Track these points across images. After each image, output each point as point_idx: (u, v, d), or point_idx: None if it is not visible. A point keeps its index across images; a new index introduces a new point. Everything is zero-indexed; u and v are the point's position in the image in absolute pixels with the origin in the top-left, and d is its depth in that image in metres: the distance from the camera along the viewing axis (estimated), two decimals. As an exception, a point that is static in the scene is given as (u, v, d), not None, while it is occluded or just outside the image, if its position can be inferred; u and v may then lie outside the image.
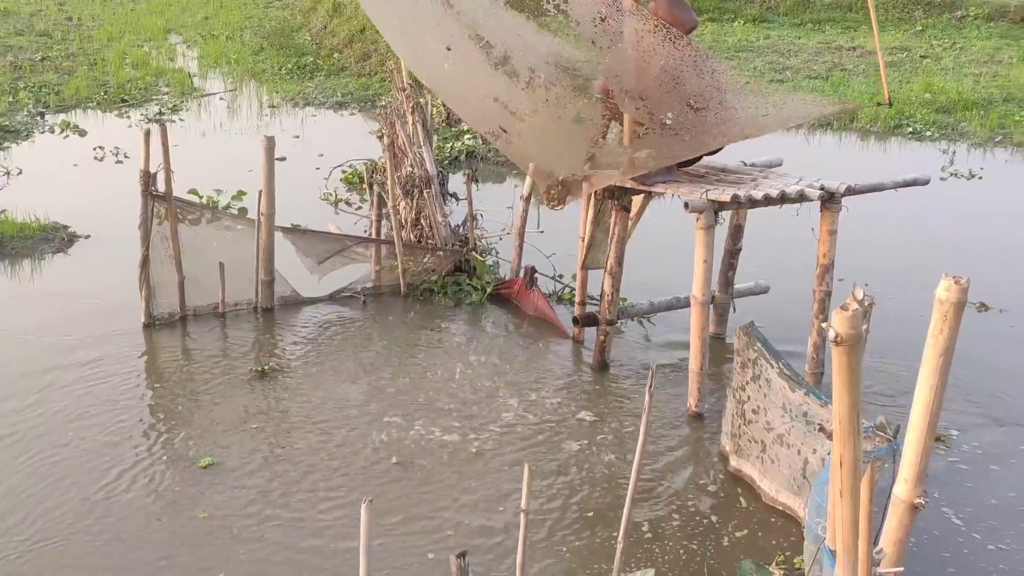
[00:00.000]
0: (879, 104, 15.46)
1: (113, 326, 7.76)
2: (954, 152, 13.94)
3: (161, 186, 7.63)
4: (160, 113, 15.65)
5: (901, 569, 3.42)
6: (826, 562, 3.72)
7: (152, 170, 7.54)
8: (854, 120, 15.31)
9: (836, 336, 2.61)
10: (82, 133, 14.33)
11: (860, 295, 2.73)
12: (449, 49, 6.83)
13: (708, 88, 6.32)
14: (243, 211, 9.90)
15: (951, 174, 12.72)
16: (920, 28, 22.74)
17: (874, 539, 3.27)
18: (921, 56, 19.78)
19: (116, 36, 21.65)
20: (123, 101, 16.31)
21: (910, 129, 14.89)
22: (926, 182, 7.28)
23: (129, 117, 15.39)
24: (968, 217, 11.05)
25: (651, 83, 6.31)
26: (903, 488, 3.39)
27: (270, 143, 7.97)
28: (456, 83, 7.38)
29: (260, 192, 8.00)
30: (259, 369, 7.13)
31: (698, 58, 6.21)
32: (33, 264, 9.31)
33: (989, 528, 5.49)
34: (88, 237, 9.92)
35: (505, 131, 7.09)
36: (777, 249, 9.04)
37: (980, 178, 12.63)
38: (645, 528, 5.41)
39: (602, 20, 6.28)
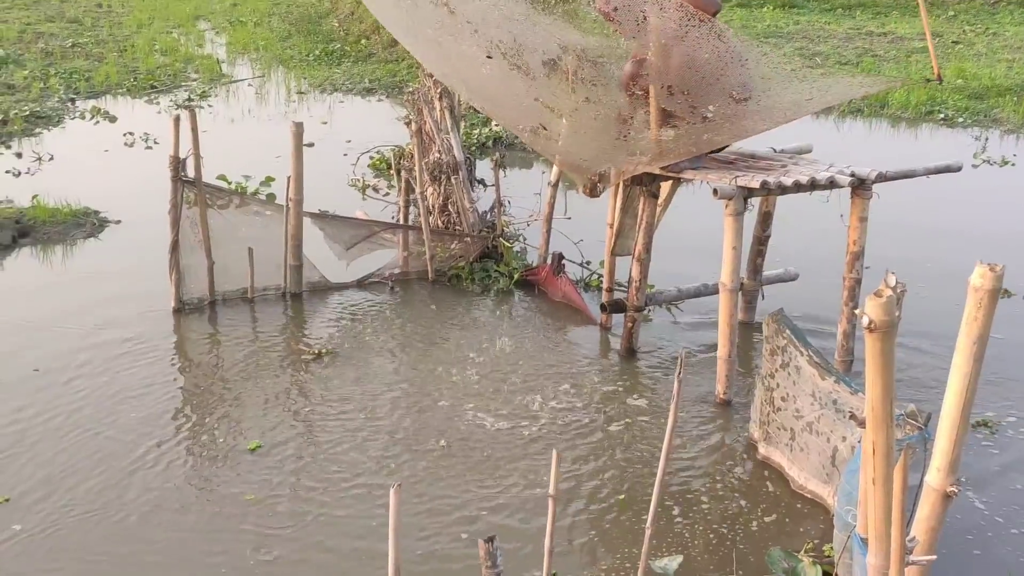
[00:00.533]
0: (928, 80, 15.22)
1: (144, 310, 7.83)
2: (986, 139, 13.79)
3: (190, 172, 7.68)
4: (189, 99, 15.74)
5: (934, 557, 3.40)
6: (856, 550, 3.71)
7: (181, 156, 7.59)
8: (884, 106, 15.18)
9: (870, 323, 2.60)
10: (112, 119, 14.44)
11: (893, 282, 2.71)
12: (490, 57, 6.80)
13: (753, 78, 6.27)
14: (271, 197, 9.94)
15: (983, 161, 12.59)
16: (952, 14, 22.48)
17: (906, 527, 3.26)
18: (953, 42, 19.55)
19: (145, 23, 21.79)
20: (152, 87, 16.42)
21: (942, 115, 14.74)
22: (958, 169, 7.19)
23: (158, 103, 15.49)
24: (1001, 204, 10.93)
25: (694, 77, 6.26)
26: (935, 477, 3.37)
27: (298, 129, 7.99)
28: (492, 86, 7.33)
29: (288, 178, 8.03)
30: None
31: (743, 48, 6.16)
32: (65, 249, 9.40)
33: (1012, 512, 5.47)
34: (119, 222, 10.00)
35: (545, 128, 7.04)
36: (806, 236, 8.99)
37: (1013, 165, 12.48)
38: (675, 513, 5.41)
39: (644, 19, 6.23)
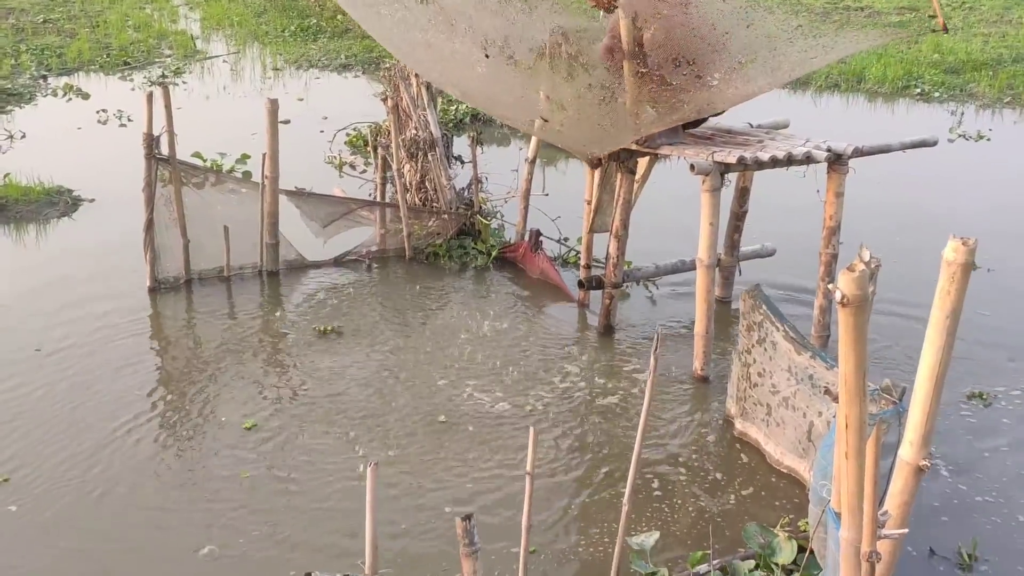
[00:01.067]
0: (934, 31, 15.12)
1: (119, 289, 7.77)
2: (962, 113, 13.84)
3: (165, 149, 7.61)
4: (163, 76, 15.57)
5: (906, 531, 3.43)
6: (831, 524, 3.73)
7: (155, 133, 7.51)
8: (862, 81, 15.19)
9: (843, 297, 2.60)
10: (85, 96, 14.27)
11: (867, 256, 2.72)
12: (487, 56, 6.71)
13: (759, 38, 6.21)
14: (247, 174, 9.87)
15: (959, 135, 12.64)
16: (929, -12, 22.47)
17: (880, 500, 3.28)
18: (930, 16, 19.55)
19: (118, -2, 21.50)
20: (126, 64, 16.23)
21: (918, 90, 14.77)
22: (934, 143, 7.22)
23: (132, 80, 15.31)
24: (975, 178, 11.00)
25: (700, 45, 6.20)
26: (908, 450, 3.39)
27: (274, 106, 7.92)
28: (487, 84, 7.25)
29: (264, 155, 7.96)
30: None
31: (748, 8, 6.10)
32: (38, 228, 9.30)
33: (975, 480, 5.57)
34: (93, 201, 9.90)
35: (545, 120, 6.99)
36: (783, 212, 9.01)
37: (988, 139, 12.55)
38: (653, 488, 5.43)
39: None
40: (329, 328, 7.27)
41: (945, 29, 11.82)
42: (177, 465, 5.59)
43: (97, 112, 13.11)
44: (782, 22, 6.24)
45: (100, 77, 15.57)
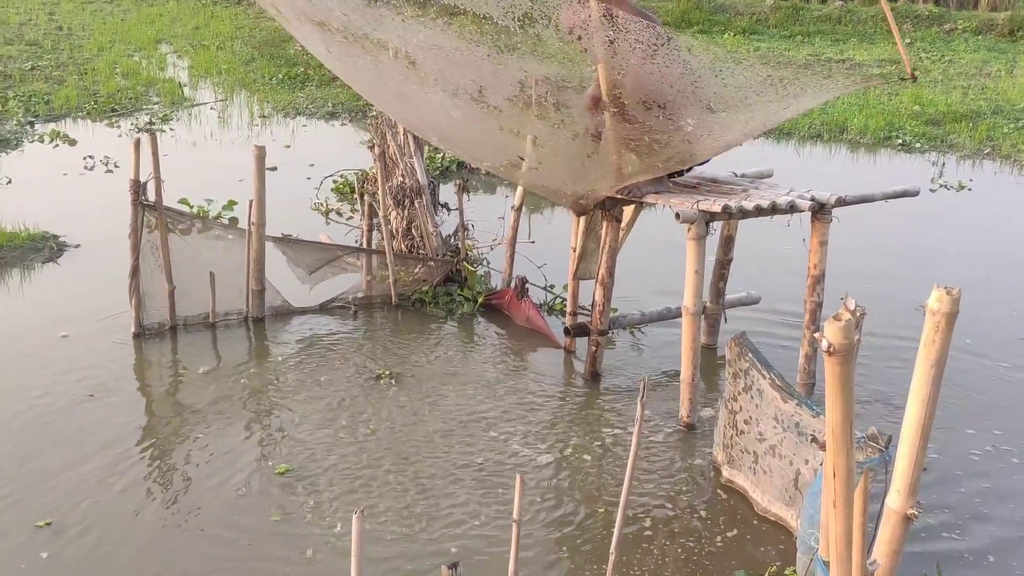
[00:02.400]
0: (903, 79, 15.33)
1: (103, 335, 7.74)
2: (943, 164, 14.01)
3: (151, 195, 7.62)
4: (150, 123, 15.62)
5: (894, 580, 3.42)
6: (819, 573, 3.72)
7: (142, 179, 7.53)
8: (844, 131, 15.38)
9: (829, 346, 2.62)
10: (72, 142, 14.29)
11: (852, 305, 2.74)
12: (462, 103, 6.77)
13: (729, 87, 6.26)
14: (234, 221, 9.87)
15: (941, 185, 12.79)
16: (909, 41, 22.87)
17: (868, 549, 3.27)
18: (904, 77, 19.87)
19: (106, 45, 21.61)
20: (113, 111, 16.28)
21: (899, 141, 14.96)
22: (916, 193, 7.30)
23: (119, 127, 15.35)
24: (958, 228, 11.12)
25: (670, 91, 6.25)
26: (895, 499, 3.39)
27: (261, 152, 7.96)
28: (464, 129, 7.30)
29: (251, 202, 7.98)
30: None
31: (716, 59, 6.16)
32: (23, 273, 9.27)
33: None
34: (78, 246, 9.88)
35: (523, 159, 7.04)
36: (768, 260, 9.07)
37: (969, 189, 12.69)
38: (640, 538, 5.40)
39: (611, 43, 6.20)
40: (320, 373, 7.24)
41: (914, 78, 12.03)
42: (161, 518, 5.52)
43: (84, 158, 13.12)
44: (749, 70, 6.29)
45: (87, 124, 15.60)
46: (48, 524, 5.34)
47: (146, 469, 5.97)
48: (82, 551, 5.15)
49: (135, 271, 7.68)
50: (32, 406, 6.65)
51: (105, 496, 5.64)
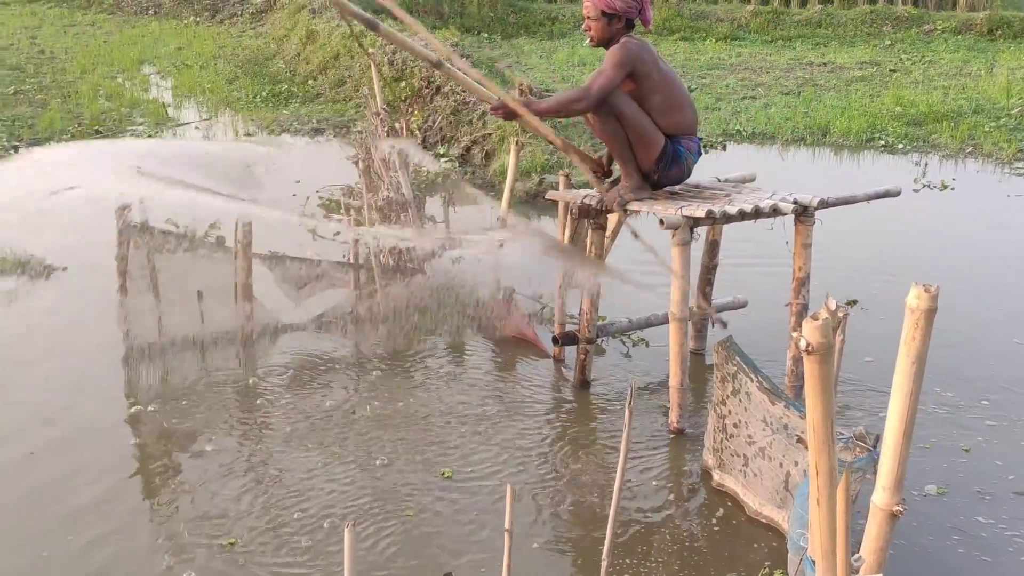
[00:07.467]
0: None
1: (92, 357, 7.73)
2: (926, 164, 14.09)
3: (138, 216, 7.63)
4: (135, 144, 15.63)
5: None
6: (808, 572, 3.75)
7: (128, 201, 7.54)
8: (826, 135, 15.47)
9: (807, 345, 2.65)
10: (57, 165, 14.27)
11: (833, 305, 2.78)
12: None
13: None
14: (221, 239, 9.87)
15: (923, 185, 12.87)
16: (889, 43, 23.04)
17: (855, 547, 3.30)
18: (891, 70, 20.02)
19: (89, 68, 21.60)
20: (98, 132, 16.28)
21: (882, 142, 15.05)
22: (897, 193, 7.36)
23: (104, 148, 15.35)
24: (939, 227, 11.20)
25: None
26: (881, 496, 3.42)
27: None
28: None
29: (237, 220, 7.99)
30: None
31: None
32: (9, 296, 9.25)
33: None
34: (65, 269, 9.87)
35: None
36: (754, 263, 9.12)
37: (952, 189, 12.77)
38: (631, 544, 5.42)
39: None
40: (304, 393, 7.25)
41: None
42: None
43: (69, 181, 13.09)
44: None
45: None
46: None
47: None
48: None
49: (123, 292, 7.70)
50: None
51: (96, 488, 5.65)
